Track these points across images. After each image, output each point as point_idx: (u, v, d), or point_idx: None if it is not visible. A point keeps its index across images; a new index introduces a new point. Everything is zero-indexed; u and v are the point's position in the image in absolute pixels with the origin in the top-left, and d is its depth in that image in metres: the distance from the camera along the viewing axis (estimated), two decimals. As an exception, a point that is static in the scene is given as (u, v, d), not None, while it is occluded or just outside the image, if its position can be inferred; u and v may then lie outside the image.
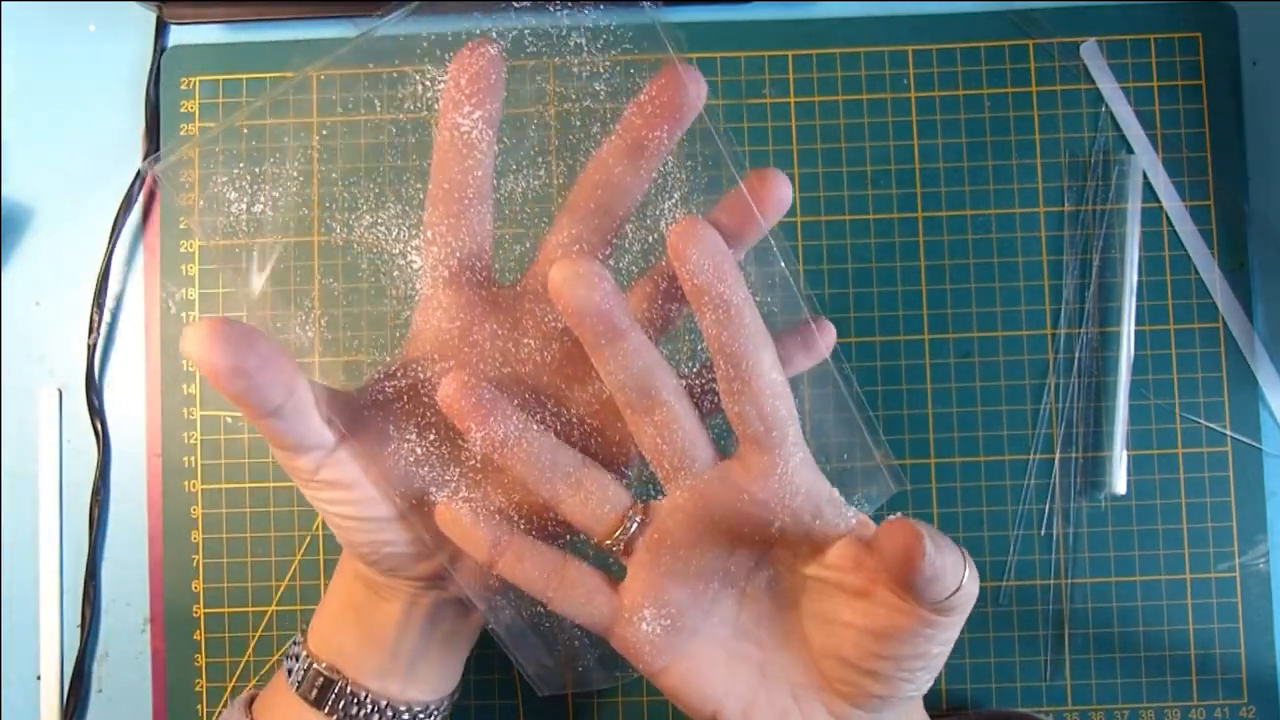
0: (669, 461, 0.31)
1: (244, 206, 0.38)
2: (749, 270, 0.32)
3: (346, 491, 0.31)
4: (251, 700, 0.36)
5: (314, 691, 0.34)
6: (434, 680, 0.36)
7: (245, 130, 0.45)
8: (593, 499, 0.31)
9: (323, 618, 0.36)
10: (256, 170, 0.45)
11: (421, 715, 0.35)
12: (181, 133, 0.46)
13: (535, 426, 0.32)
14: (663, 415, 0.31)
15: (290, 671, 0.35)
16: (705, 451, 0.31)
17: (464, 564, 0.33)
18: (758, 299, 0.30)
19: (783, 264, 0.32)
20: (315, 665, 0.34)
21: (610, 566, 0.32)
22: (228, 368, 0.27)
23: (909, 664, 0.30)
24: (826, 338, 0.33)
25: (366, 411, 0.31)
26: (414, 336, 0.33)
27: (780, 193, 0.30)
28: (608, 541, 0.32)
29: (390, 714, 0.34)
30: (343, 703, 0.34)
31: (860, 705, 0.31)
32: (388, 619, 0.34)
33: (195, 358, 0.27)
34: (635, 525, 0.32)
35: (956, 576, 0.28)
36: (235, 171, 0.45)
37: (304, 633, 0.36)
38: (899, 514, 0.28)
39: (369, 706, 0.34)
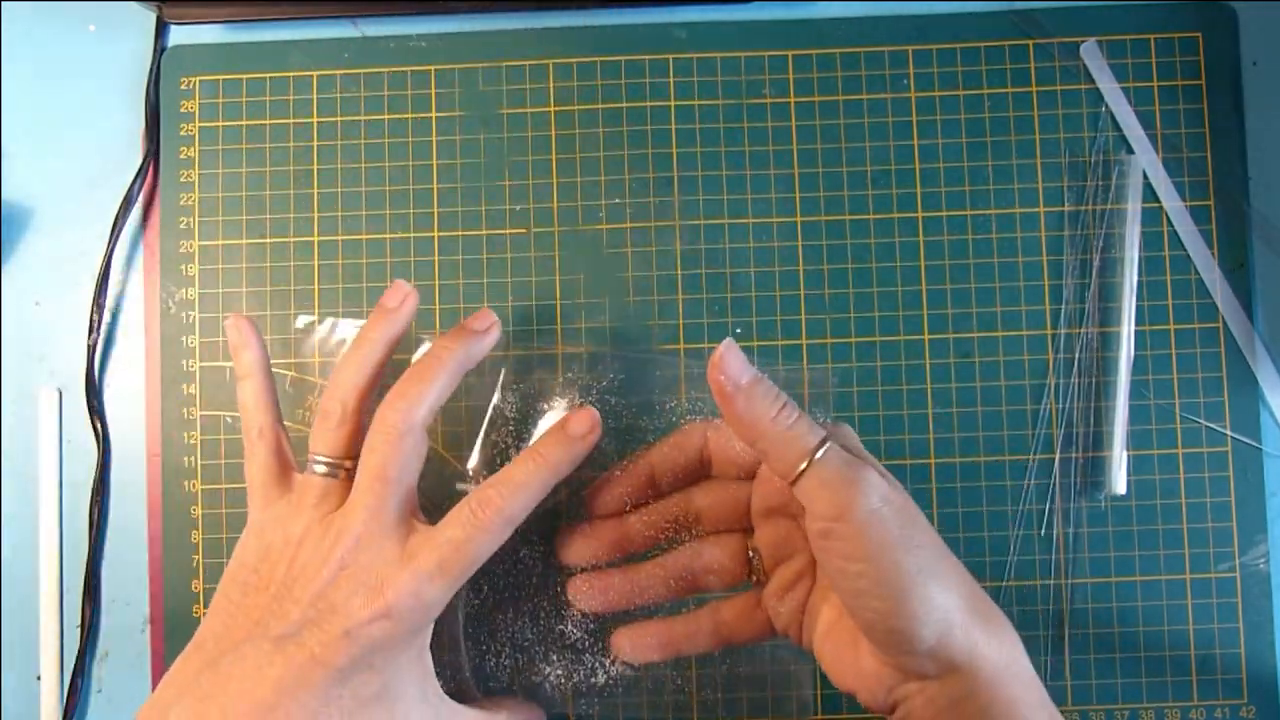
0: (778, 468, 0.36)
1: None
2: None
3: None
4: None
5: None
6: None
7: None
8: (718, 567, 0.39)
9: None
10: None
11: None
12: (181, 133, 0.47)
13: (648, 569, 0.39)
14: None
15: None
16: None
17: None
18: None
19: None
20: None
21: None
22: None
23: (845, 584, 0.33)
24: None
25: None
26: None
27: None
28: (751, 578, 0.39)
29: None
30: None
31: (892, 656, 0.33)
32: None
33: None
34: (756, 556, 0.39)
35: (798, 440, 0.33)
36: None
37: None
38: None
39: None
